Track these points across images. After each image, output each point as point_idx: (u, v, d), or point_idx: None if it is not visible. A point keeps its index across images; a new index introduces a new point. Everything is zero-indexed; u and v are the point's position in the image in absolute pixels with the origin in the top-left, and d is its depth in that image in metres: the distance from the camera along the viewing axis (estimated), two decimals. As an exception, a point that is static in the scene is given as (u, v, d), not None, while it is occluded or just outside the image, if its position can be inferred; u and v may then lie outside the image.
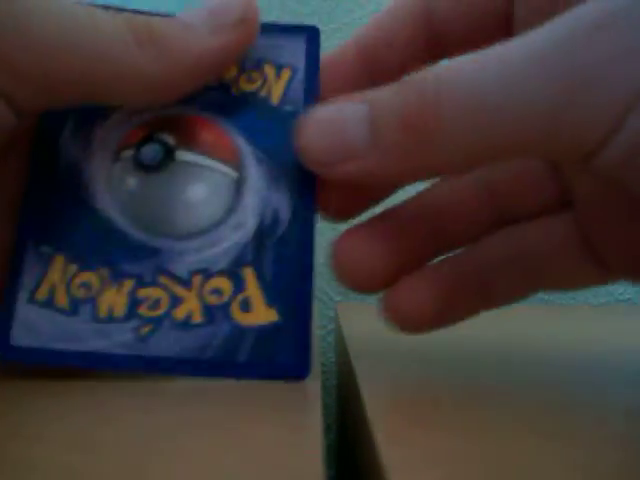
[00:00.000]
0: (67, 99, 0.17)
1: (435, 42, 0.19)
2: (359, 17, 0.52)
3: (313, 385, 0.17)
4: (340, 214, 0.20)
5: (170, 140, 0.19)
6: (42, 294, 0.18)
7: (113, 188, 0.19)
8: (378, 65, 0.20)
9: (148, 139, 0.19)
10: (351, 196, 0.20)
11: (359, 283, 0.18)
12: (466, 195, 0.19)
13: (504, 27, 0.19)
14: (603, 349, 0.21)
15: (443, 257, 0.19)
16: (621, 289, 0.52)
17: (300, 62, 0.20)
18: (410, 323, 0.19)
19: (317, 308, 0.38)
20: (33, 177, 0.19)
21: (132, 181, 0.19)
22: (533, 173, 0.19)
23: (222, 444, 0.12)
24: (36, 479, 0.10)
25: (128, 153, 0.19)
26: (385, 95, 0.16)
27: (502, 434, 0.13)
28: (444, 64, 0.16)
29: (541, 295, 0.53)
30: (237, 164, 0.19)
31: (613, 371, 0.20)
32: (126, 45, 0.17)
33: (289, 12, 0.50)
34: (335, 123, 0.17)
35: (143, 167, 0.19)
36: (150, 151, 0.19)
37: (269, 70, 0.19)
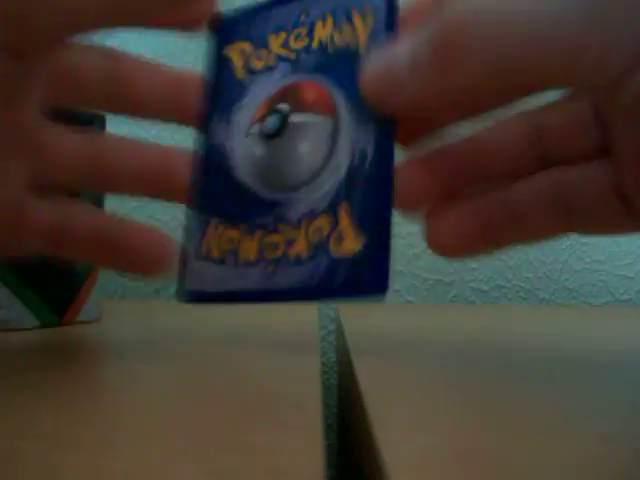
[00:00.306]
0: (73, 29, 0.18)
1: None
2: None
3: (313, 385, 0.17)
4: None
5: (285, 108, 0.22)
6: (203, 250, 0.23)
7: (247, 159, 0.23)
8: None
9: (270, 112, 0.22)
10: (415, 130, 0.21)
11: (408, 204, 0.20)
12: (515, 135, 0.20)
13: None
14: (603, 349, 0.21)
15: (485, 191, 0.21)
16: (621, 289, 0.52)
17: (381, 3, 0.21)
18: (449, 249, 0.20)
19: (318, 308, 0.38)
20: (199, 162, 0.23)
21: (259, 149, 0.22)
22: (580, 120, 0.20)
23: (222, 444, 0.12)
24: (30, 478, 0.10)
25: (255, 127, 0.23)
26: (420, 30, 0.18)
27: (503, 434, 0.13)
28: None
29: (541, 295, 0.53)
30: (334, 114, 0.21)
31: (613, 371, 0.20)
32: None
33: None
34: (386, 61, 0.19)
35: (266, 136, 0.22)
36: (270, 121, 0.22)
37: (357, 19, 0.22)
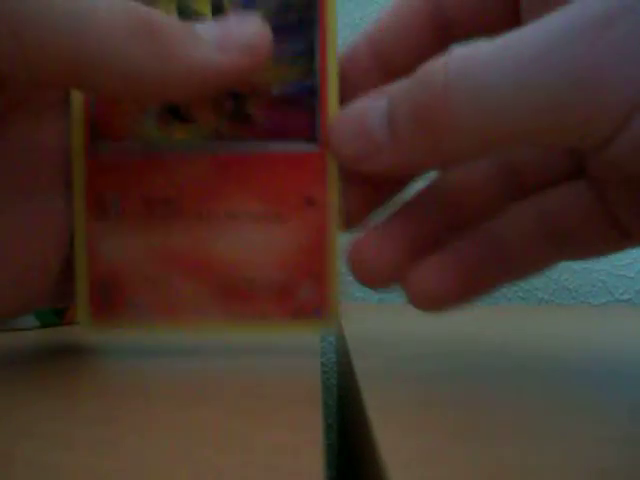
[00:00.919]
0: (48, 78, 0.17)
1: (444, 31, 0.20)
2: (359, 17, 0.52)
3: (313, 384, 0.17)
4: (357, 215, 0.20)
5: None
6: None
7: None
8: (391, 59, 0.20)
9: None
10: (370, 193, 0.20)
11: (376, 279, 0.19)
12: (480, 171, 0.20)
13: (511, 13, 0.19)
14: (603, 349, 0.21)
15: (462, 235, 0.20)
16: (621, 289, 0.52)
17: None
18: (435, 303, 0.19)
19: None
20: None
21: None
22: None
23: (222, 444, 0.12)
24: (28, 477, 0.10)
25: None
26: (399, 90, 0.17)
27: (503, 434, 0.13)
28: (454, 52, 0.16)
29: (541, 295, 0.53)
30: None
31: (613, 371, 0.20)
32: (120, 35, 0.16)
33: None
34: (359, 122, 0.18)
35: None
36: None
37: None
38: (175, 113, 0.20)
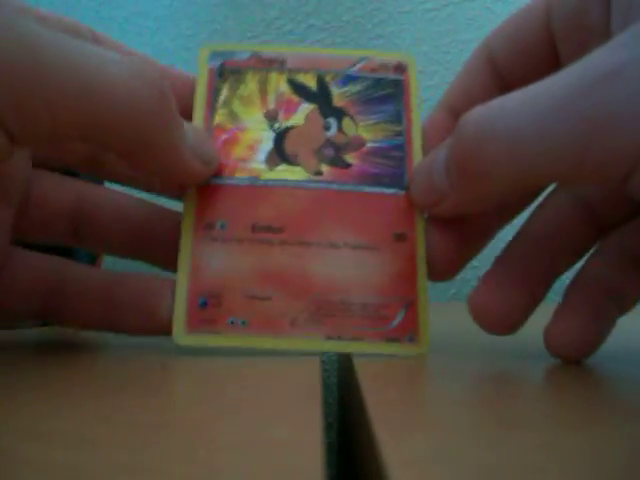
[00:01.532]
0: (63, 137, 0.18)
1: (501, 82, 0.23)
2: (360, 15, 0.52)
3: (314, 383, 0.17)
4: (448, 263, 0.22)
5: None
6: None
7: None
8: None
9: None
10: (457, 241, 0.22)
11: (503, 327, 0.21)
12: (566, 217, 0.22)
13: (554, 64, 0.21)
14: (603, 348, 0.21)
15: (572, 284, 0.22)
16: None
17: None
18: (576, 353, 0.21)
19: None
20: None
21: None
22: None
23: (221, 443, 0.12)
24: (31, 476, 0.10)
25: None
26: (448, 143, 0.19)
27: (503, 433, 0.13)
28: (483, 105, 0.18)
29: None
30: None
31: (613, 371, 0.20)
32: (135, 95, 0.18)
33: (291, 10, 0.50)
34: (427, 174, 0.21)
35: None
36: None
37: None
38: (282, 156, 0.23)
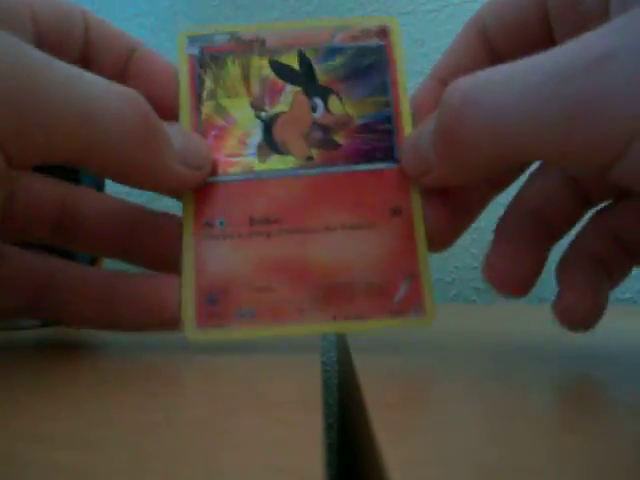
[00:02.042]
0: (58, 159, 0.18)
1: (493, 55, 0.22)
2: (360, 15, 0.52)
3: (314, 383, 0.17)
4: (444, 234, 0.23)
5: None
6: None
7: None
8: None
9: None
10: (452, 210, 0.22)
11: (515, 285, 0.22)
12: (555, 191, 0.22)
13: (547, 40, 0.21)
14: (603, 349, 0.21)
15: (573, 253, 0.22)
16: (621, 288, 0.52)
17: None
18: (579, 319, 0.21)
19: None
20: None
21: None
22: None
23: (221, 443, 0.12)
24: (33, 478, 0.10)
25: None
26: (436, 114, 0.19)
27: (503, 433, 0.13)
28: (469, 76, 0.18)
29: (540, 295, 0.53)
30: None
31: (613, 371, 0.20)
32: (122, 120, 0.18)
33: (291, 11, 0.50)
34: (416, 145, 0.21)
35: None
36: None
37: None
38: (272, 146, 0.23)
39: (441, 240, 0.22)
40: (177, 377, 0.18)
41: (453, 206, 0.22)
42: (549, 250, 0.22)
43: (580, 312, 0.21)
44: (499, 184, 0.23)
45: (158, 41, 0.50)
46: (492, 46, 0.22)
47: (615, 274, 0.21)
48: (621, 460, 0.11)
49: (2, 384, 0.16)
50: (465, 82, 0.18)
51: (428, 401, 0.15)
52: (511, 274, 0.21)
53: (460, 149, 0.18)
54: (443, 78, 0.23)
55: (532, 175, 0.22)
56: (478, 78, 0.17)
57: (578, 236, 0.22)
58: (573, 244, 0.22)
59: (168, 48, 0.50)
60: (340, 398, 0.35)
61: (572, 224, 0.22)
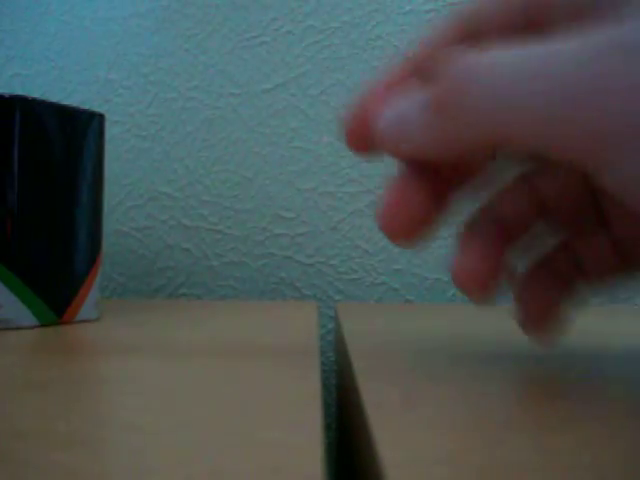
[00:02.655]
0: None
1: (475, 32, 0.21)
2: (359, 16, 0.52)
3: (313, 384, 0.17)
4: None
5: None
6: None
7: None
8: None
9: None
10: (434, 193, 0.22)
11: (477, 290, 0.21)
12: (520, 200, 0.22)
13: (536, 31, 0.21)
14: (603, 348, 0.21)
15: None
16: (621, 289, 0.52)
17: None
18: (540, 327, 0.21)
19: (317, 307, 0.38)
20: None
21: None
22: (569, 185, 0.21)
23: (221, 443, 0.12)
24: (30, 477, 0.10)
25: None
26: (430, 82, 0.19)
27: (503, 433, 0.13)
28: (477, 54, 0.17)
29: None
30: None
31: (613, 371, 0.20)
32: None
33: (289, 11, 0.50)
34: (398, 110, 0.20)
35: None
36: None
37: None
38: None
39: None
40: (176, 377, 0.18)
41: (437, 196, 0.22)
42: (514, 254, 0.22)
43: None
44: (464, 175, 0.23)
45: (158, 41, 0.50)
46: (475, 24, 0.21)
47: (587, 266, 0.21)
48: (622, 460, 0.11)
49: (2, 383, 0.16)
50: (472, 56, 0.17)
51: (425, 402, 0.15)
52: (478, 271, 0.21)
53: (453, 122, 0.18)
54: (417, 57, 0.22)
55: (502, 188, 0.22)
56: (483, 57, 0.17)
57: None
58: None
59: (168, 48, 0.50)
60: (338, 398, 0.35)
61: (527, 228, 0.22)
